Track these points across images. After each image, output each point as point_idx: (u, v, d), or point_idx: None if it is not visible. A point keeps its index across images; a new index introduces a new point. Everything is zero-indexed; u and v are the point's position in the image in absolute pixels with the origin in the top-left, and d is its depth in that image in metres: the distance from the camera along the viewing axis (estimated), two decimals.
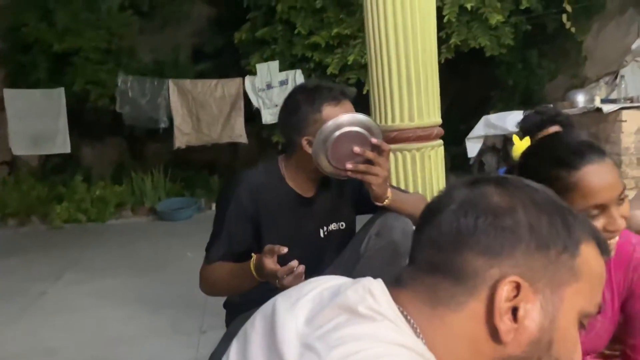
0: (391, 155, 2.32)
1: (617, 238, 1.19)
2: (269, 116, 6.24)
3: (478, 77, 6.78)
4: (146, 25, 7.00)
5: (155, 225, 6.07)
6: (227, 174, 6.49)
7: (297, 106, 1.75)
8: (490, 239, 0.66)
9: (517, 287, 0.65)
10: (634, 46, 6.14)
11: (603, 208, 1.15)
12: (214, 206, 6.28)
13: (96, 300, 3.46)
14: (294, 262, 1.48)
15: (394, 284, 0.70)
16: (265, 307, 0.76)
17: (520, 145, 1.49)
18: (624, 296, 1.31)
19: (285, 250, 1.50)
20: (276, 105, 6.02)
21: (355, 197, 1.92)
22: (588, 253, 0.69)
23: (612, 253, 1.20)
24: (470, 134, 5.46)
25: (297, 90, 1.83)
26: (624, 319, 1.32)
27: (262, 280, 1.58)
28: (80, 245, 5.09)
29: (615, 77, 6.10)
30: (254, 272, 1.57)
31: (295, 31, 6.04)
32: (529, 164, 1.26)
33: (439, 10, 5.08)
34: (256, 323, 0.74)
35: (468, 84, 6.75)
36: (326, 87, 1.77)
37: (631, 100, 5.04)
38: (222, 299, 2.01)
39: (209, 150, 6.72)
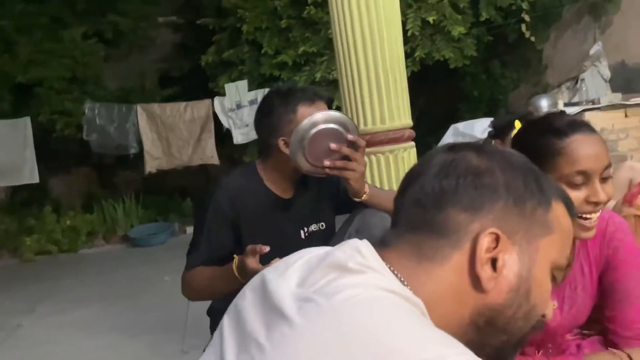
0: (365, 158, 2.35)
1: (598, 213, 1.21)
2: (240, 136, 6.23)
3: (444, 89, 6.91)
4: (111, 52, 6.96)
5: (129, 252, 5.97)
6: (200, 198, 6.44)
7: (272, 108, 1.78)
8: (471, 196, 0.70)
9: (497, 239, 0.69)
10: (592, 51, 6.34)
11: (587, 177, 1.18)
12: (188, 230, 6.22)
13: (73, 331, 3.37)
14: (276, 260, 1.48)
15: (380, 245, 0.72)
16: (254, 281, 0.76)
17: None
18: (601, 270, 1.34)
19: (267, 249, 1.50)
20: (247, 125, 6.00)
21: (333, 196, 1.93)
22: (558, 209, 0.74)
23: (593, 232, 1.22)
24: (440, 143, 5.54)
25: (272, 93, 1.86)
26: (601, 292, 1.34)
27: (244, 282, 1.56)
28: (53, 277, 4.98)
29: (576, 82, 6.29)
30: (236, 273, 1.57)
31: (262, 51, 6.07)
32: (522, 136, 1.30)
33: (403, 24, 5.18)
34: (247, 293, 0.74)
35: (435, 96, 6.87)
36: (300, 88, 1.81)
37: (592, 102, 5.22)
38: (203, 317, 1.98)
39: (180, 174, 6.67)
